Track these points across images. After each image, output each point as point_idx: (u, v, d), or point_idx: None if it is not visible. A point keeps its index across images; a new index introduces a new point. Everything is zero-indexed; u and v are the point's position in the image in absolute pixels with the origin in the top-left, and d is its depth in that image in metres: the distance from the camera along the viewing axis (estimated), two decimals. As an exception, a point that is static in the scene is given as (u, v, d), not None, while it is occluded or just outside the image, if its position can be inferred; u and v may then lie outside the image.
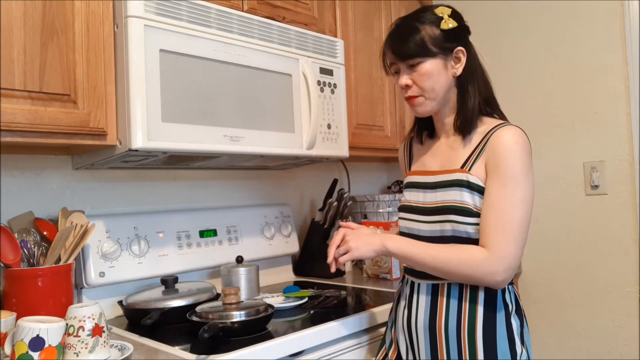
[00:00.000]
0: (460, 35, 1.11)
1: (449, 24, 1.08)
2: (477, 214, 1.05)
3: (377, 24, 2.00)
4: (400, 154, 1.33)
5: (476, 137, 1.11)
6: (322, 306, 1.44)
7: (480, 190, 1.06)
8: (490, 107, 1.15)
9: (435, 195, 1.12)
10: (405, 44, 1.08)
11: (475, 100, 1.12)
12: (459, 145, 1.13)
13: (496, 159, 1.05)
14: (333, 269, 1.15)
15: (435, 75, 1.09)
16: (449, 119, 1.15)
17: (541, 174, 2.00)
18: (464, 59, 1.11)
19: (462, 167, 1.09)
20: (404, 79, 1.11)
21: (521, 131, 1.07)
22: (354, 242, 1.12)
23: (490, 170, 1.05)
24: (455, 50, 1.10)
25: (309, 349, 1.21)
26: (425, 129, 1.24)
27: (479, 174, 1.07)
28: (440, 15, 1.09)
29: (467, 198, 1.06)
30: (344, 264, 1.16)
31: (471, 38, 1.15)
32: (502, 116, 1.16)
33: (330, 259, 1.15)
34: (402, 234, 1.20)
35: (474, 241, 1.05)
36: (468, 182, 1.07)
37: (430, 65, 1.08)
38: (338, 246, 1.15)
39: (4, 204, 1.33)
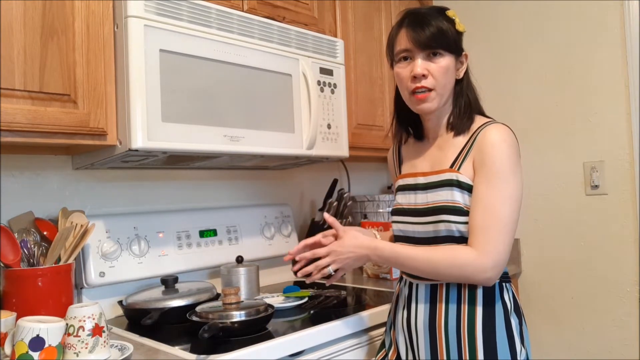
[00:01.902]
0: (462, 41, 1.13)
1: (462, 27, 1.11)
2: (468, 213, 1.06)
3: (377, 24, 1.99)
4: (389, 159, 1.33)
5: (465, 136, 1.11)
6: (322, 306, 1.44)
7: (470, 189, 1.06)
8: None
9: (426, 196, 1.12)
10: (428, 30, 1.07)
11: (472, 104, 1.14)
12: (447, 145, 1.13)
13: (483, 157, 1.05)
14: (300, 274, 1.17)
15: (450, 72, 1.10)
16: (445, 119, 1.15)
17: (541, 174, 2.00)
18: (466, 64, 1.14)
19: (452, 166, 1.09)
20: (421, 68, 1.07)
21: (508, 129, 1.07)
22: (338, 264, 1.13)
23: (477, 168, 1.06)
24: (463, 53, 1.13)
25: (309, 349, 1.21)
26: (406, 130, 1.24)
27: (468, 173, 1.07)
28: (453, 18, 1.11)
29: (457, 197, 1.06)
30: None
31: (471, 38, 1.15)
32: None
33: (299, 268, 1.18)
34: (396, 236, 1.20)
35: (467, 240, 1.06)
36: (458, 181, 1.07)
37: (448, 61, 1.09)
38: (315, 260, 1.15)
39: (4, 204, 1.33)
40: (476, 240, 1.02)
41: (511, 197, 1.03)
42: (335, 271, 1.14)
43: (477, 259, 1.01)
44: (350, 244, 1.13)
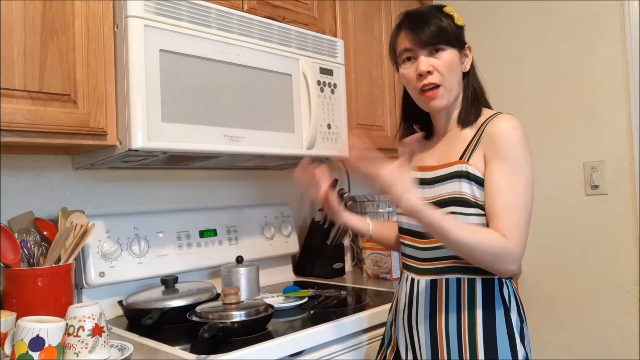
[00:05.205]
0: (464, 35, 1.14)
1: (461, 20, 1.12)
2: (475, 205, 1.05)
3: (377, 24, 1.99)
4: (400, 155, 1.33)
5: (472, 129, 1.11)
6: (322, 306, 1.44)
7: (478, 182, 1.06)
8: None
9: (433, 190, 1.12)
10: (428, 29, 1.07)
11: (479, 96, 1.14)
12: (456, 139, 1.13)
13: (495, 147, 1.05)
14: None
15: (455, 66, 1.10)
16: (455, 114, 1.15)
17: (541, 174, 2.00)
18: (471, 57, 1.15)
19: (461, 158, 1.09)
20: (425, 65, 1.08)
21: (515, 118, 1.08)
22: (396, 184, 0.96)
23: (490, 159, 1.05)
24: (466, 46, 1.13)
25: (309, 349, 1.21)
26: (415, 128, 1.24)
27: (478, 165, 1.07)
28: (451, 13, 1.11)
29: (465, 189, 1.06)
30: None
31: (471, 39, 1.16)
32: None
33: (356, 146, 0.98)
34: (401, 229, 1.20)
35: None
36: (467, 172, 1.07)
37: (451, 55, 1.09)
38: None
39: (4, 204, 1.33)
40: (504, 232, 1.00)
41: (527, 187, 1.03)
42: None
43: (511, 249, 1.00)
44: (403, 174, 0.97)
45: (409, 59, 1.12)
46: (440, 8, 1.12)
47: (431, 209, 0.99)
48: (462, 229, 0.99)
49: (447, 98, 1.10)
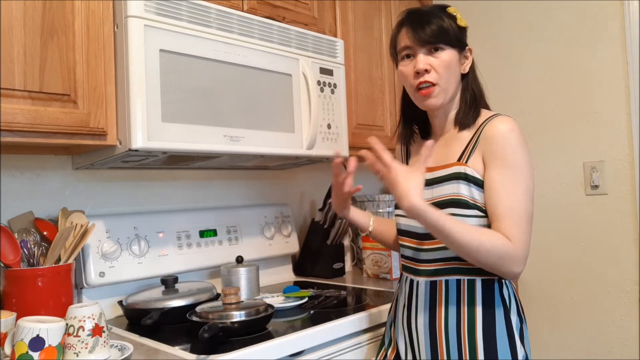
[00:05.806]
0: (466, 36, 1.14)
1: (464, 22, 1.12)
2: (474, 207, 1.05)
3: (377, 24, 1.99)
4: (397, 153, 1.33)
5: (470, 130, 1.12)
6: (322, 306, 1.44)
7: (477, 183, 1.06)
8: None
9: (432, 191, 1.12)
10: (429, 28, 1.08)
11: (478, 99, 1.14)
12: (453, 140, 1.13)
13: (493, 150, 1.05)
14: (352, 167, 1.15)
15: (453, 66, 1.10)
16: (452, 114, 1.15)
17: (541, 174, 2.00)
18: (471, 58, 1.15)
19: (459, 160, 1.09)
20: (423, 64, 1.08)
21: (513, 120, 1.08)
22: (402, 183, 0.99)
23: (489, 162, 1.05)
24: (466, 48, 1.14)
25: (309, 349, 1.21)
26: (411, 130, 1.24)
27: (476, 167, 1.07)
28: (454, 14, 1.12)
29: (463, 190, 1.06)
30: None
31: (471, 39, 1.16)
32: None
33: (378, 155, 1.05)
34: (399, 231, 1.20)
35: None
36: (466, 174, 1.07)
37: (450, 55, 1.09)
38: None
39: (4, 204, 1.33)
40: (508, 235, 1.00)
41: (527, 189, 1.03)
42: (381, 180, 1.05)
43: (515, 251, 1.00)
44: (414, 174, 1.00)
45: (408, 56, 1.12)
46: (443, 8, 1.13)
47: (433, 210, 0.99)
48: (465, 229, 0.99)
49: (442, 97, 1.11)
